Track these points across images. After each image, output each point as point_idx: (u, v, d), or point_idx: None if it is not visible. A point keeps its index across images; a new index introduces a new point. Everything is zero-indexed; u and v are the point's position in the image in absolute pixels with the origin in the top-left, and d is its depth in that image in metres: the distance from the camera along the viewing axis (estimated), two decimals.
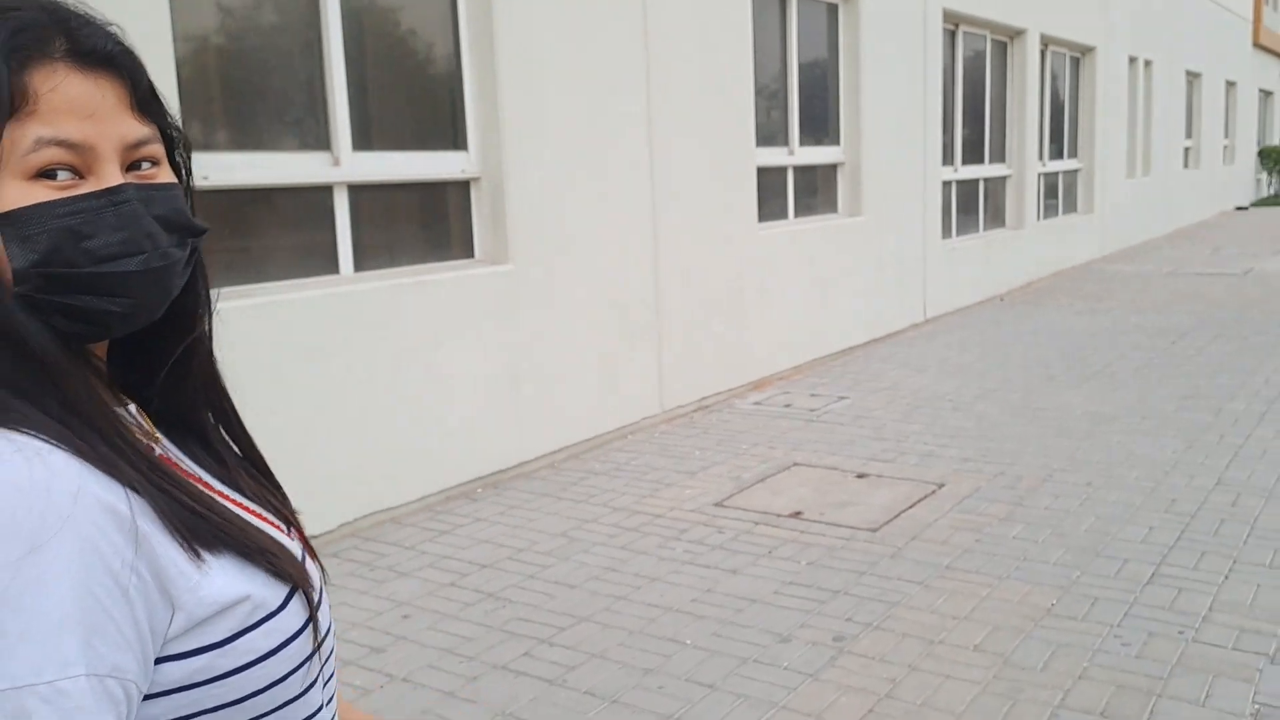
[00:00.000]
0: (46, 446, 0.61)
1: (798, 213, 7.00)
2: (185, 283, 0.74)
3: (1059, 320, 8.34)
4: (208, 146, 3.71)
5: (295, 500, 0.87)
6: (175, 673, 0.65)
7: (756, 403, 5.95)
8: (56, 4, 0.67)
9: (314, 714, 0.74)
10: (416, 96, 4.43)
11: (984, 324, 8.29)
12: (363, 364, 3.99)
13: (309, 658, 0.72)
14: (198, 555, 0.66)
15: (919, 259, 8.24)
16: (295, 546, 0.78)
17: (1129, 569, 3.39)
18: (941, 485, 4.33)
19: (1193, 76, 16.55)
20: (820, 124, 7.22)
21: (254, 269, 3.89)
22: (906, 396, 5.94)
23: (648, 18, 5.24)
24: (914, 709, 2.60)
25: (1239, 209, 20.34)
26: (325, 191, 4.08)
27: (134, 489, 0.64)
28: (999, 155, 10.04)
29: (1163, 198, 15.08)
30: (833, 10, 7.17)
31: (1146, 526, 3.76)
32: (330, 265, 4.11)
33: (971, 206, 9.56)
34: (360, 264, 4.20)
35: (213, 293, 0.80)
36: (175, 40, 3.44)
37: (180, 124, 0.76)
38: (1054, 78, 11.15)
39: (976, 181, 9.58)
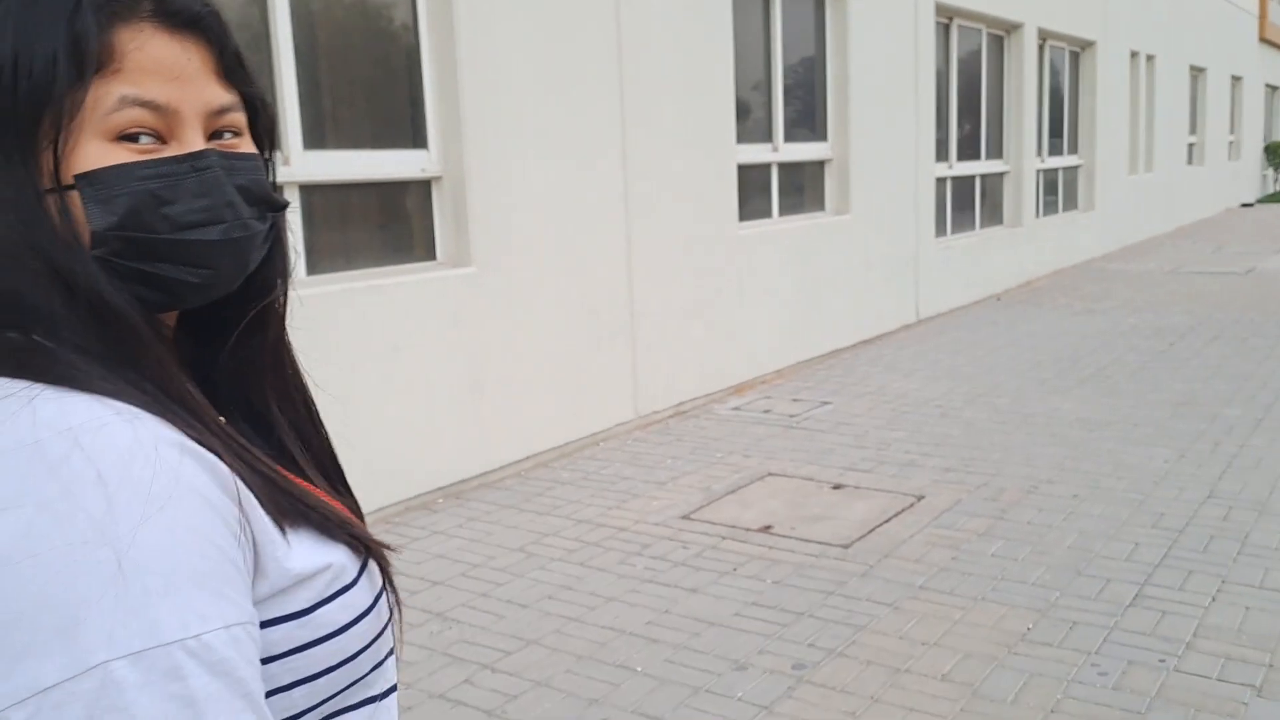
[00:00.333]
0: (140, 410, 0.60)
1: (782, 211, 6.82)
2: (262, 258, 0.72)
3: (1055, 321, 8.14)
4: None
5: None
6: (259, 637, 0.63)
7: (736, 408, 5.77)
8: None
9: (377, 697, 0.73)
10: (373, 93, 4.26)
11: (978, 325, 8.10)
12: (315, 372, 3.81)
13: (378, 636, 0.71)
14: (281, 528, 0.65)
15: (911, 258, 8.05)
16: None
17: (1111, 590, 3.20)
18: (921, 497, 4.15)
19: (1197, 71, 16.31)
20: (807, 120, 7.03)
21: None
22: (891, 401, 5.76)
23: (620, 10, 5.05)
24: None
25: (1244, 205, 20.07)
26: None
27: (219, 456, 0.63)
28: (996, 151, 9.83)
29: (1165, 194, 14.85)
30: (819, 3, 6.98)
31: (1132, 543, 3.57)
32: None
33: (967, 204, 9.36)
34: (313, 267, 4.03)
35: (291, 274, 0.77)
36: None
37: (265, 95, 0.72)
38: (1053, 72, 10.94)
39: (972, 178, 9.38)
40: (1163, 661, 2.75)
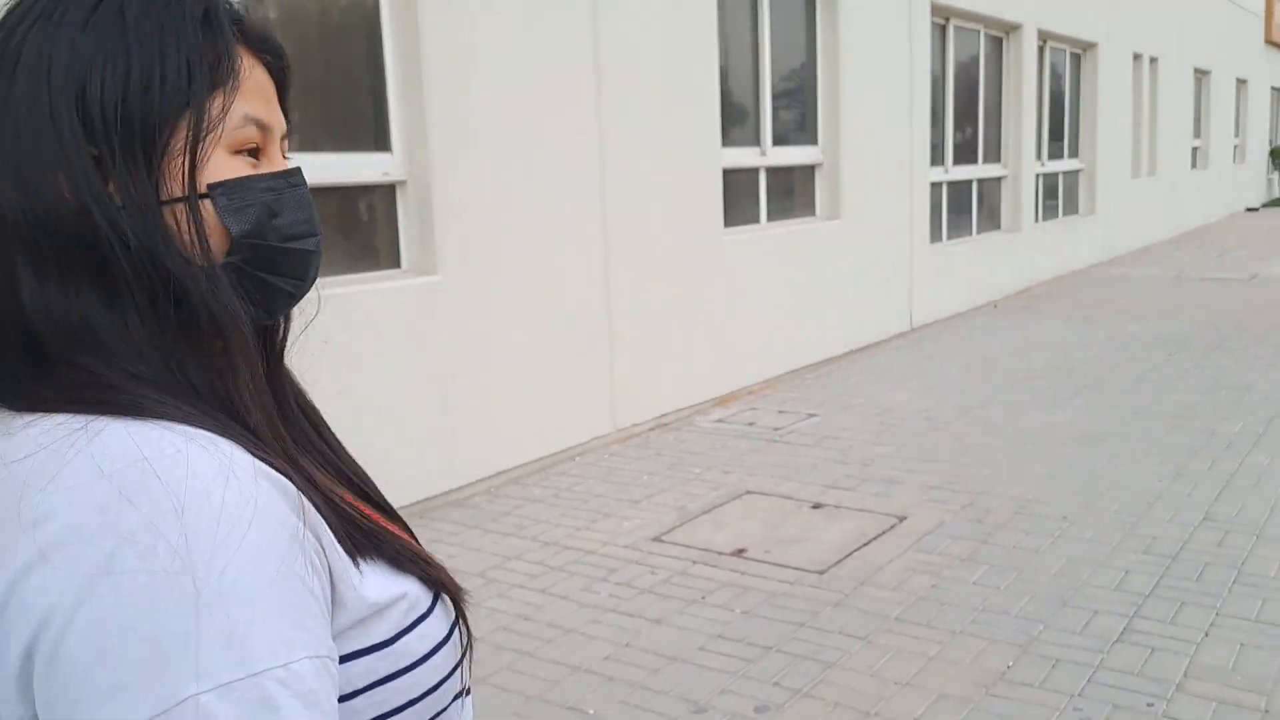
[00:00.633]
0: (213, 435, 0.60)
1: (771, 216, 6.64)
2: None
3: (1053, 329, 7.95)
4: None
5: None
6: (337, 671, 0.61)
7: (719, 420, 5.59)
8: None
9: None
10: (333, 92, 4.10)
11: (974, 333, 7.91)
12: None
13: (456, 667, 0.70)
14: (354, 557, 0.65)
15: (904, 264, 7.87)
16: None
17: (1098, 623, 3.02)
18: (903, 518, 3.97)
19: (1201, 74, 16.09)
20: (796, 123, 6.85)
21: None
22: (880, 414, 5.58)
23: (597, 7, 4.88)
24: None
25: (1249, 210, 19.84)
26: None
27: (291, 480, 0.62)
28: (994, 155, 9.64)
29: (1169, 199, 14.64)
30: (810, 3, 6.81)
31: (1122, 570, 3.39)
32: None
33: (964, 208, 9.17)
34: None
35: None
36: None
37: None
38: (1053, 75, 10.75)
39: (969, 182, 9.20)
40: (1150, 706, 2.57)
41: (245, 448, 0.60)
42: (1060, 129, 11.07)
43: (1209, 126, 16.68)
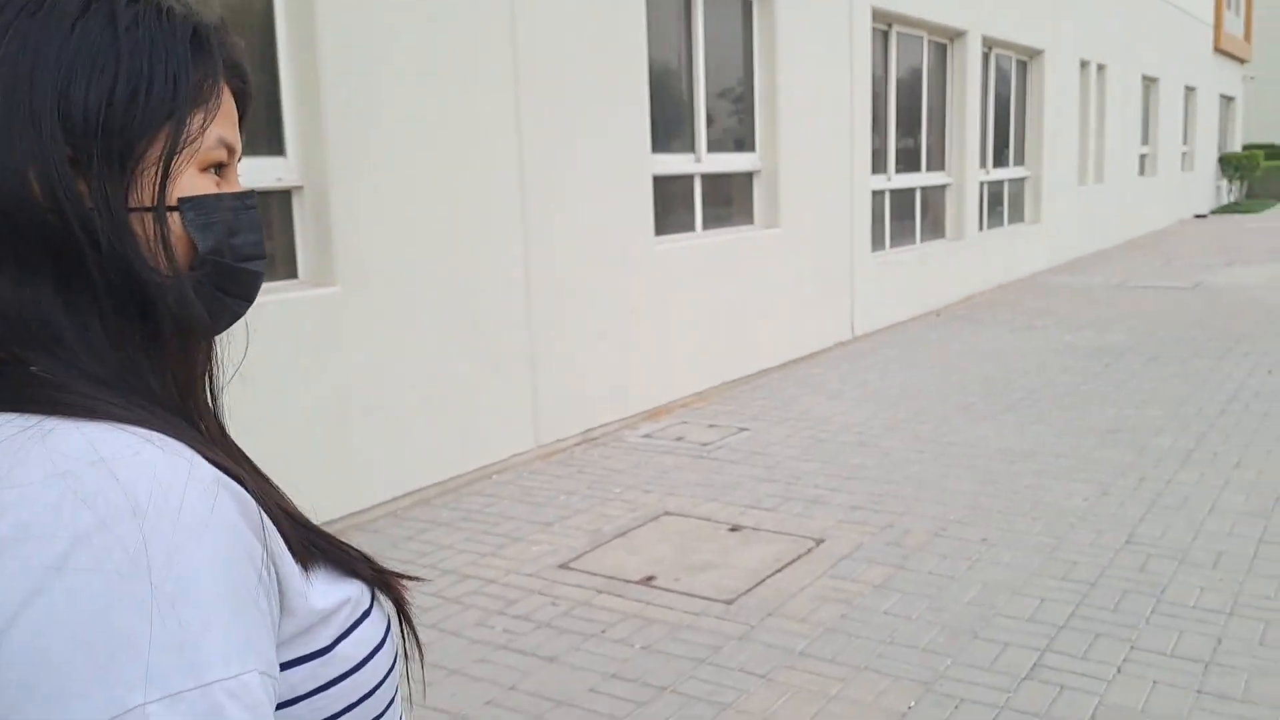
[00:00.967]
0: (172, 439, 0.58)
1: (707, 224, 6.50)
2: None
3: (992, 338, 7.89)
4: None
5: None
6: (279, 685, 0.59)
7: (647, 435, 5.43)
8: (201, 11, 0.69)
9: None
10: None
11: (914, 343, 7.83)
12: None
13: (391, 668, 0.69)
14: (303, 565, 0.64)
15: (845, 273, 7.76)
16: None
17: (1007, 657, 2.89)
18: (820, 541, 3.83)
19: (1150, 81, 16.24)
20: (733, 129, 6.72)
21: None
22: (811, 428, 5.45)
23: (514, 4, 4.70)
24: None
25: (1199, 217, 20.10)
26: None
27: (244, 486, 0.61)
28: (938, 163, 9.59)
29: (1117, 206, 14.73)
30: (746, 6, 6.67)
31: (1038, 598, 3.27)
32: None
33: (907, 217, 9.10)
34: None
35: None
36: None
37: None
38: (999, 82, 10.73)
39: (913, 190, 9.12)
40: None
41: (201, 453, 0.59)
42: (1006, 136, 11.06)
43: (1157, 134, 16.84)
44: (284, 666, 0.61)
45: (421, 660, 0.74)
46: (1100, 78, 13.45)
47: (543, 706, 2.73)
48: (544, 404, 5.05)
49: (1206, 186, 21.39)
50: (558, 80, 4.98)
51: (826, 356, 7.36)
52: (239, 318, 0.71)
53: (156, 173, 0.63)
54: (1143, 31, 15.13)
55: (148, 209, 0.63)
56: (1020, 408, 5.72)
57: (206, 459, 0.59)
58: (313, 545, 0.67)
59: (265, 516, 0.61)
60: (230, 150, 0.68)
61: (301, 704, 0.63)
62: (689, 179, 6.31)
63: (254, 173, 3.87)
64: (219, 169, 0.68)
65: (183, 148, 0.64)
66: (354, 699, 0.66)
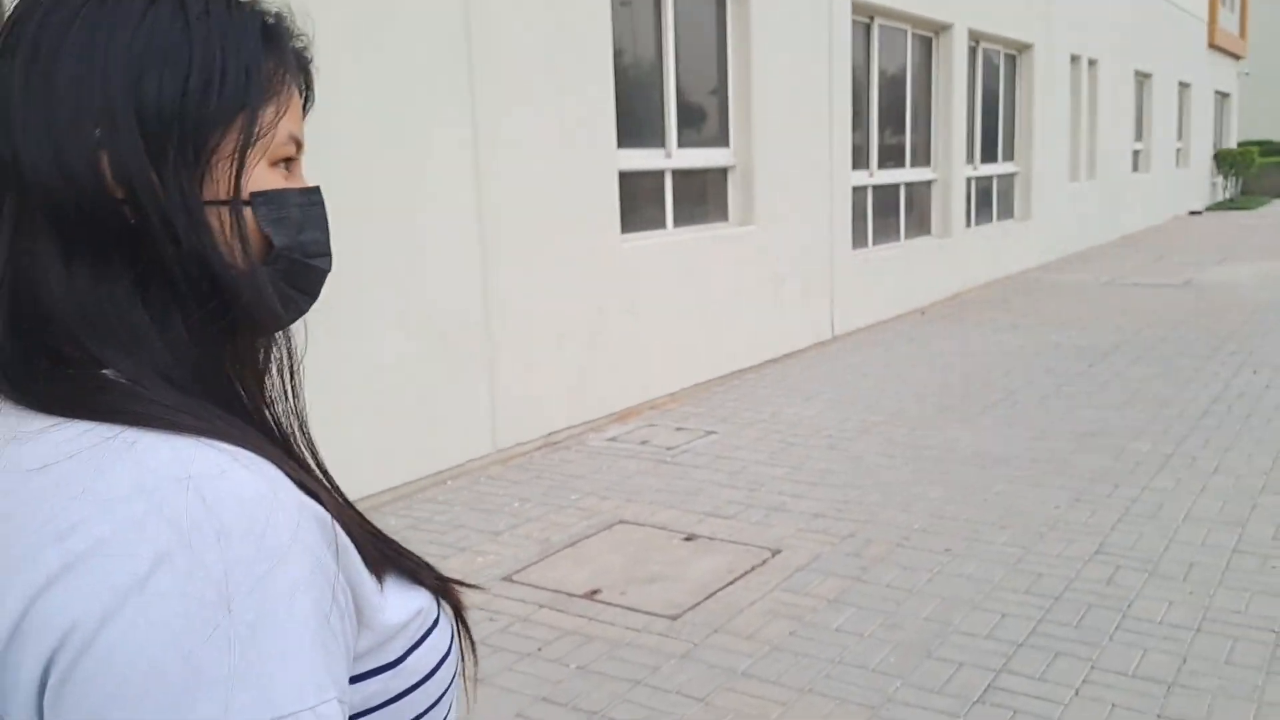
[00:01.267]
0: (256, 456, 0.57)
1: (679, 221, 6.34)
2: None
3: (976, 338, 7.73)
4: None
5: None
6: (352, 698, 0.60)
7: (612, 438, 5.27)
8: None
9: None
10: None
11: (895, 342, 7.67)
12: None
13: (454, 677, 0.69)
14: (378, 579, 0.63)
15: (825, 271, 7.60)
16: None
17: (961, 679, 2.74)
18: (777, 552, 3.67)
19: (1143, 77, 16.07)
20: (706, 124, 6.55)
21: None
22: (781, 431, 5.29)
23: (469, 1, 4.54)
24: None
25: (1193, 213, 19.93)
26: None
27: (322, 504, 0.59)
28: (923, 159, 9.42)
29: (1109, 203, 14.57)
30: None
31: (998, 613, 3.11)
32: None
33: (891, 213, 8.93)
34: None
35: None
36: None
37: None
38: (988, 76, 10.56)
39: (896, 187, 8.96)
40: None
41: (283, 470, 0.58)
42: (995, 132, 10.89)
43: (1151, 130, 16.67)
44: (357, 679, 0.61)
45: (476, 665, 0.76)
46: (1092, 73, 13.28)
47: None
48: (502, 407, 4.89)
49: (1201, 183, 21.23)
50: (515, 73, 4.82)
51: (804, 357, 7.20)
52: (303, 314, 0.69)
53: (231, 165, 0.62)
54: (1136, 27, 14.96)
55: (223, 202, 0.62)
56: (998, 410, 5.56)
57: (290, 478, 0.58)
58: (385, 557, 0.66)
59: (341, 533, 0.60)
60: (298, 145, 0.67)
61: (373, 715, 0.63)
62: (659, 175, 6.15)
63: None
64: (287, 164, 0.67)
65: (256, 140, 0.63)
66: (421, 709, 0.65)
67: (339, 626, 0.57)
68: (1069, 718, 2.53)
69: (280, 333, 0.69)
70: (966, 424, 5.28)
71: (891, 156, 8.84)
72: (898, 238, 9.04)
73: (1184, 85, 18.84)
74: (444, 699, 0.67)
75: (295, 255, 0.66)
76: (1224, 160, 22.67)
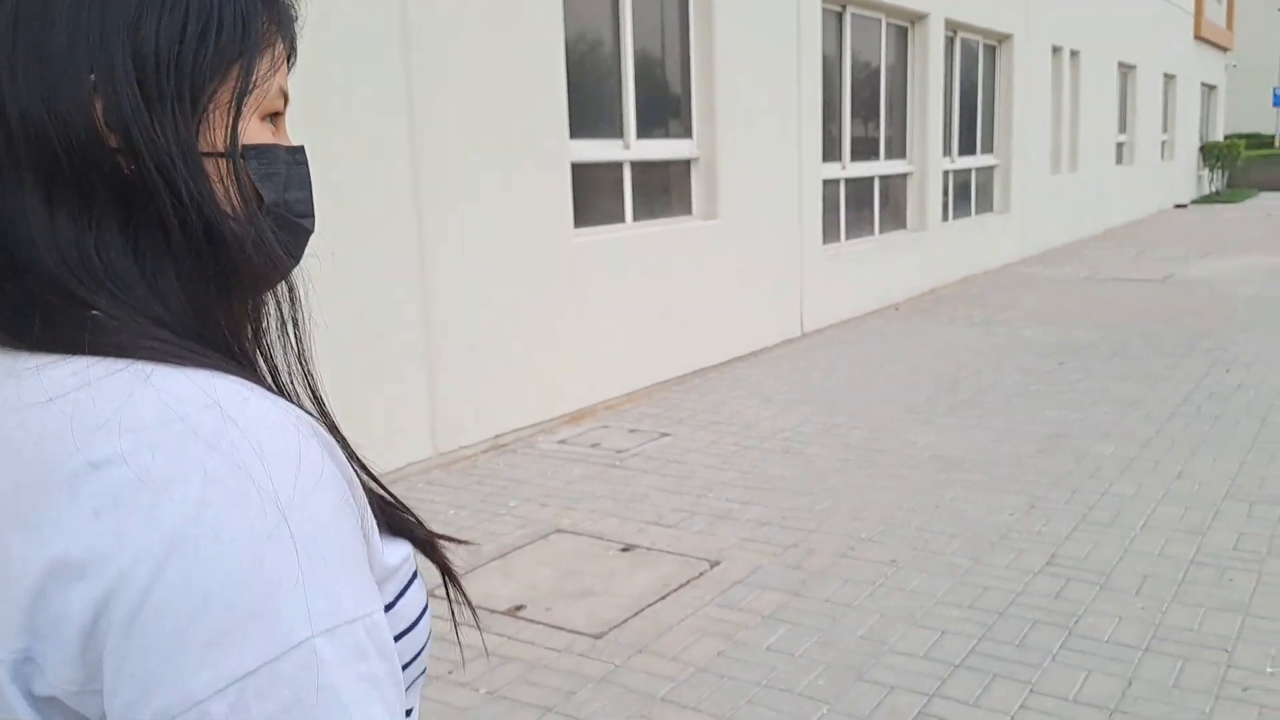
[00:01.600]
0: (261, 388, 0.57)
1: (639, 215, 6.15)
2: None
3: (949, 334, 7.57)
4: None
5: None
6: None
7: (562, 441, 5.10)
8: None
9: (408, 713, 0.67)
10: None
11: (866, 339, 7.50)
12: None
13: (430, 633, 0.68)
14: (378, 521, 0.63)
15: (794, 266, 7.43)
16: None
17: (890, 704, 2.57)
18: (716, 563, 3.50)
19: (1127, 69, 15.91)
20: (668, 114, 6.37)
21: None
22: (738, 433, 5.12)
23: None
24: None
25: (1178, 207, 19.81)
26: None
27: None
28: (899, 151, 9.25)
29: (1092, 196, 14.42)
30: None
31: (938, 631, 2.95)
32: None
33: (865, 207, 8.76)
34: None
35: None
36: None
37: None
38: (965, 67, 10.39)
39: (871, 180, 8.79)
40: None
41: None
42: (974, 124, 10.72)
43: (1135, 122, 16.52)
44: None
45: (474, 622, 0.77)
46: (1074, 64, 13.12)
47: None
48: (444, 408, 4.71)
49: (1187, 176, 21.10)
50: (455, 58, 4.63)
51: (771, 354, 7.03)
52: (286, 275, 0.68)
53: (227, 115, 0.60)
54: (1120, 18, 14.80)
55: (220, 153, 0.60)
56: (963, 410, 5.40)
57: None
58: (382, 499, 0.66)
59: (351, 469, 0.60)
60: (285, 100, 0.66)
61: None
62: (617, 167, 5.97)
63: None
64: (274, 119, 0.65)
65: (251, 90, 0.62)
66: (409, 656, 0.64)
67: (366, 550, 0.58)
68: None
69: (282, 289, 0.69)
70: (928, 425, 5.12)
71: (865, 149, 8.67)
72: (872, 232, 8.87)
73: (1169, 77, 18.70)
74: (423, 652, 0.67)
75: (283, 212, 0.65)
76: (1210, 153, 22.55)
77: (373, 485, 0.65)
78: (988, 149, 11.14)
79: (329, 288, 4.14)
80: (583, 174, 5.62)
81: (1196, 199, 21.45)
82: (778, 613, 3.11)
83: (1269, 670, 2.65)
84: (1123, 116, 16.03)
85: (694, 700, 2.63)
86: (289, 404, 0.57)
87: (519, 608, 3.22)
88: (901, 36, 9.11)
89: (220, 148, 0.60)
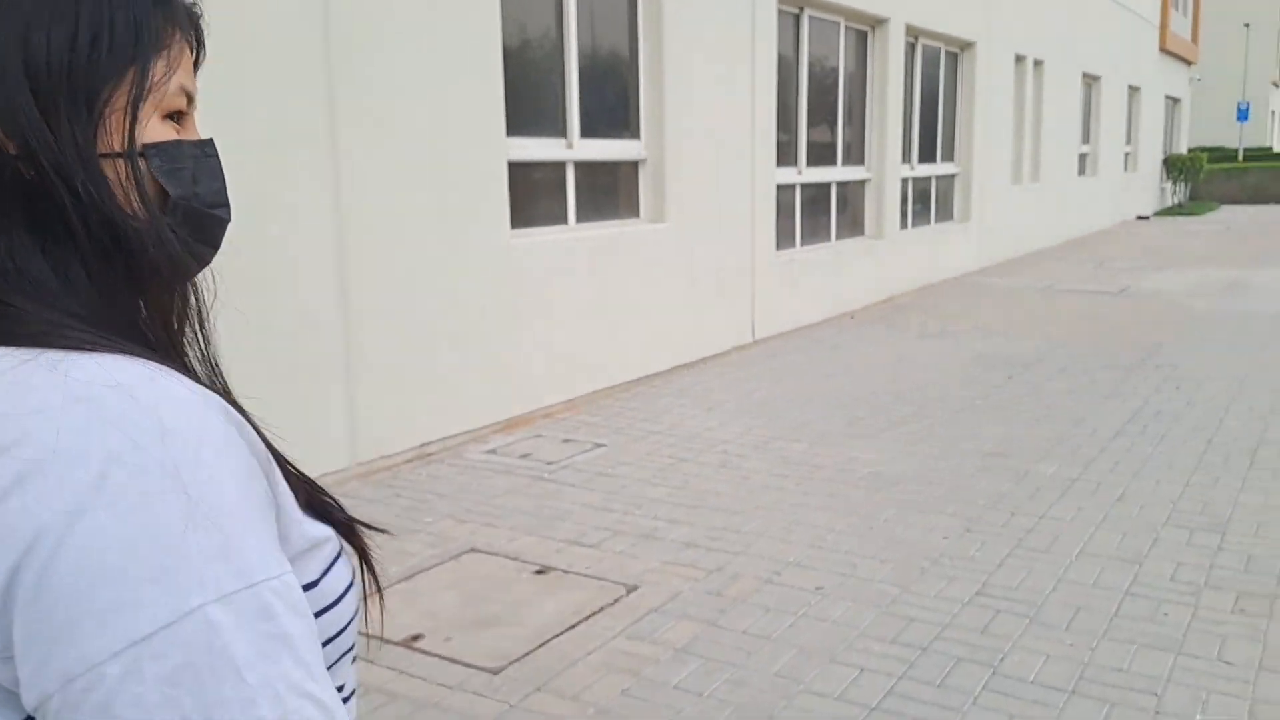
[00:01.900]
0: (170, 370, 0.60)
1: (582, 217, 5.96)
2: None
3: (900, 344, 7.45)
4: None
5: None
6: None
7: (492, 451, 4.90)
8: None
9: (341, 688, 0.70)
10: None
11: (817, 348, 7.36)
12: None
13: (356, 612, 0.70)
14: (295, 496, 0.66)
15: (745, 272, 7.27)
16: None
17: None
18: (634, 589, 3.32)
19: (1091, 79, 15.95)
20: (614, 113, 6.18)
21: None
22: (675, 444, 4.95)
23: None
24: None
25: (1141, 218, 19.93)
26: None
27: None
28: (857, 157, 9.13)
29: (1054, 206, 14.42)
30: None
31: (857, 668, 2.78)
32: None
33: (822, 213, 8.63)
34: None
35: None
36: None
37: None
38: (926, 74, 10.29)
39: (828, 185, 8.65)
40: None
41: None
42: (934, 131, 10.63)
43: (1099, 133, 16.57)
44: None
45: (381, 604, 0.79)
46: (1038, 73, 13.09)
47: None
48: (364, 415, 4.49)
49: (1150, 188, 21.25)
50: (379, 51, 4.41)
51: (720, 362, 6.87)
52: (206, 265, 0.70)
53: (124, 118, 0.62)
54: (1084, 28, 14.81)
55: (118, 154, 0.62)
56: (908, 424, 5.26)
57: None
58: (298, 476, 0.68)
59: (262, 444, 0.62)
60: (189, 98, 0.68)
61: None
62: (559, 166, 5.77)
63: None
64: (178, 117, 0.67)
65: (148, 93, 0.64)
66: (333, 632, 0.66)
67: (272, 519, 0.60)
68: None
69: (189, 284, 0.71)
70: (871, 440, 4.97)
71: (822, 154, 8.53)
72: (828, 239, 8.74)
73: (1134, 89, 18.80)
74: (347, 630, 0.68)
75: (193, 204, 0.66)
76: (1174, 166, 22.74)
77: (291, 467, 0.68)
78: (948, 157, 11.06)
79: (236, 284, 3.90)
80: (522, 173, 5.42)
81: (1159, 211, 21.61)
82: (691, 645, 2.93)
83: (1198, 717, 2.51)
84: (1086, 127, 16.06)
85: None
86: (200, 385, 0.59)
87: (416, 637, 3.01)
88: (861, 41, 8.98)
89: (119, 149, 0.62)
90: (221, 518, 0.54)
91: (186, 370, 0.66)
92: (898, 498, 4.14)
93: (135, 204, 0.63)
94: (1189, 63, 23.74)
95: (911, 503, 4.08)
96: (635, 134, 6.30)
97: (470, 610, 3.18)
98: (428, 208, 4.69)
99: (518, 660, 2.86)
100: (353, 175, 4.32)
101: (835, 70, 8.58)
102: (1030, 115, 13.03)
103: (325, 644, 0.65)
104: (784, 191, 7.88)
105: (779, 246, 7.76)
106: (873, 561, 3.50)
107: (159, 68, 0.64)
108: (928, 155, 10.52)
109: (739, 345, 7.27)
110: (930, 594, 3.24)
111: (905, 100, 9.65)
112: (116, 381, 0.56)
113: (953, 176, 11.20)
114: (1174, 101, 23.24)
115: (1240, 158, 27.95)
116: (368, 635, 2.48)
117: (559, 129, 5.73)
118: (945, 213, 11.15)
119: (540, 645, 2.94)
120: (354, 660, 0.72)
